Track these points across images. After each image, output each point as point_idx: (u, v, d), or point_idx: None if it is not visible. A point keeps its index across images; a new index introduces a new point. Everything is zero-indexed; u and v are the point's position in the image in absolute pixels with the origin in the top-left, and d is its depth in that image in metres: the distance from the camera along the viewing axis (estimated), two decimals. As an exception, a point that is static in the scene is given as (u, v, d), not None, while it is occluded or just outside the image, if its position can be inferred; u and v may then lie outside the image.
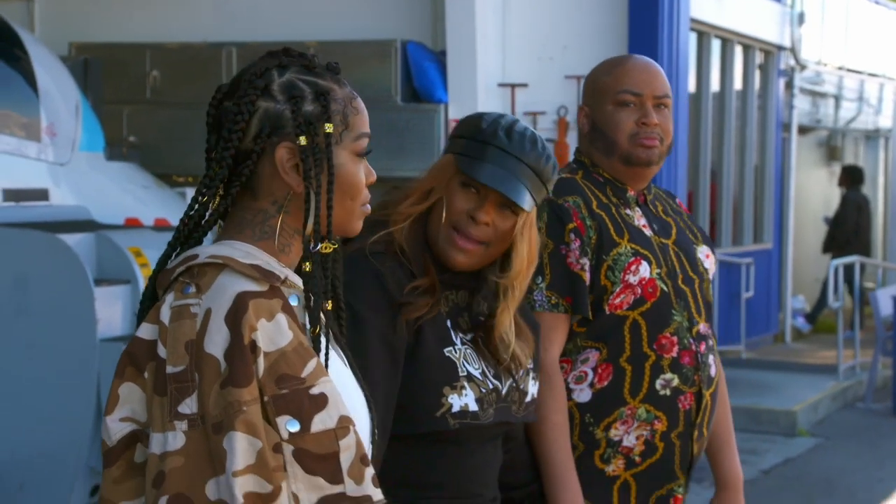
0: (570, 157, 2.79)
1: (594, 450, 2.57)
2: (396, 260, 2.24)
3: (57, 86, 6.62)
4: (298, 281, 1.68)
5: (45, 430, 5.81)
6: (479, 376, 2.24)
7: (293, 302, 1.65)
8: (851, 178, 13.42)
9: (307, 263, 1.66)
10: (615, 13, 8.22)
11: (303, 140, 1.65)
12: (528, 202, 2.24)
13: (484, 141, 2.26)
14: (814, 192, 14.70)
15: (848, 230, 13.01)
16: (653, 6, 8.18)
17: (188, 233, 1.68)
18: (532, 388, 2.34)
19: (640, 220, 2.67)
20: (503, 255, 2.28)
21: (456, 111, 8.01)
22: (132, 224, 6.70)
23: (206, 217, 1.68)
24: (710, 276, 2.75)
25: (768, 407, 8.57)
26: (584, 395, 2.57)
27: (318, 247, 1.66)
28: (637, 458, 2.58)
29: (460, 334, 2.27)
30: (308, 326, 1.67)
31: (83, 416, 5.68)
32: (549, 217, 2.57)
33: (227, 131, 1.64)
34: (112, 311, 5.89)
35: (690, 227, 2.78)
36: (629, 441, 2.57)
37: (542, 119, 8.13)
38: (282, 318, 1.59)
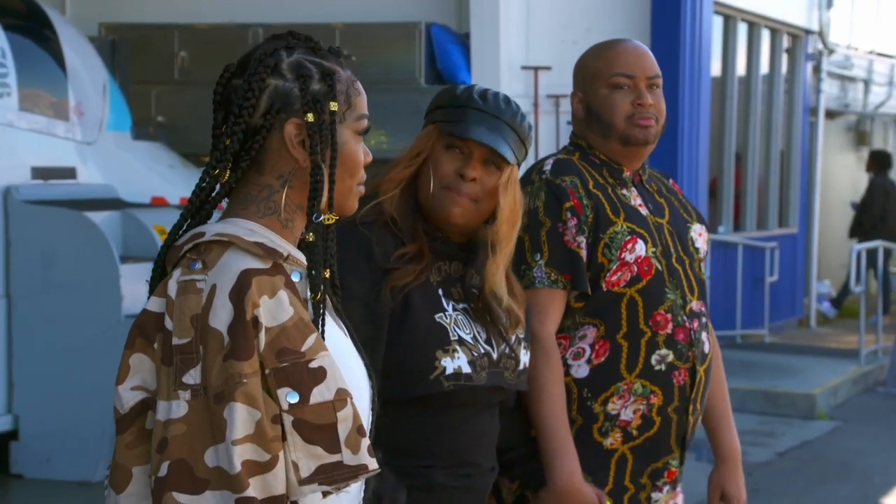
0: None
1: (592, 423, 2.64)
2: (386, 229, 2.34)
3: (85, 66, 6.74)
4: (301, 257, 1.76)
5: (71, 404, 5.94)
6: (470, 340, 2.34)
7: (295, 278, 1.71)
8: (879, 163, 13.38)
9: (310, 234, 1.73)
10: (639, -4, 8.26)
11: (310, 117, 1.72)
12: (510, 155, 2.36)
13: (462, 105, 2.38)
14: (842, 177, 14.67)
15: (875, 215, 12.99)
16: (676, -10, 8.21)
17: (199, 206, 1.74)
18: (524, 357, 2.43)
19: (635, 199, 2.75)
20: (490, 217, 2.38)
21: (479, 93, 8.06)
22: (158, 203, 6.81)
23: (216, 191, 1.75)
24: (703, 255, 2.81)
25: (787, 390, 8.61)
26: (581, 370, 2.65)
27: (322, 217, 1.73)
28: (634, 432, 2.66)
29: (452, 302, 2.36)
30: (309, 298, 1.75)
31: (109, 390, 5.79)
32: (547, 196, 2.65)
33: (238, 107, 1.71)
34: (137, 287, 6.00)
35: (685, 206, 2.85)
36: (626, 415, 2.65)
37: (564, 102, 8.19)
38: (283, 294, 1.67)
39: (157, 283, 1.75)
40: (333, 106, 1.74)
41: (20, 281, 6.06)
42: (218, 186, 1.75)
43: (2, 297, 6.05)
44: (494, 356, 2.37)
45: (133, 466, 1.70)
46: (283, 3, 8.73)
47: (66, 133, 6.51)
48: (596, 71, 2.72)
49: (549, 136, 8.02)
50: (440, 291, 2.36)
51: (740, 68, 10.74)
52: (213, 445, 1.62)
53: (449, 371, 2.29)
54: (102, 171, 6.69)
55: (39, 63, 6.54)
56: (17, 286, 6.07)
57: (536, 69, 8.20)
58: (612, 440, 2.66)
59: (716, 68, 10.05)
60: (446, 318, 2.33)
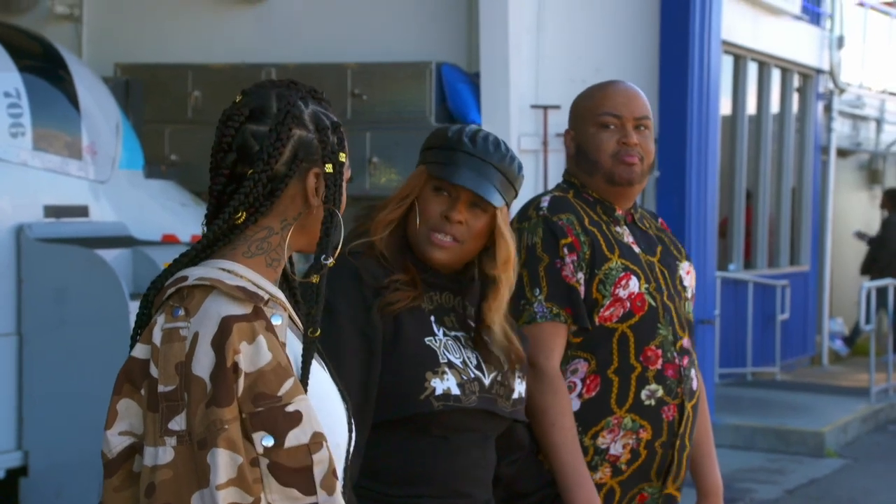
0: None
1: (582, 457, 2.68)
2: (375, 261, 2.41)
3: (98, 106, 6.83)
4: (282, 297, 1.81)
5: (81, 439, 5.98)
6: (459, 364, 2.39)
7: (276, 321, 1.77)
8: (894, 201, 13.40)
9: (316, 276, 1.80)
10: (647, 36, 8.34)
11: (329, 168, 1.81)
12: (497, 198, 2.41)
13: (451, 148, 2.44)
14: (854, 215, 14.68)
15: (890, 253, 12.99)
16: (683, 29, 8.28)
17: (206, 245, 1.79)
18: (519, 387, 2.47)
19: (628, 237, 2.80)
20: (486, 253, 2.44)
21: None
22: (169, 240, 6.88)
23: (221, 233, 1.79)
24: (690, 294, 2.86)
25: (797, 428, 8.60)
26: (572, 404, 2.69)
27: (330, 260, 1.80)
28: (623, 467, 2.70)
29: (443, 328, 2.41)
30: (303, 339, 1.80)
31: (118, 426, 5.85)
32: (544, 233, 2.71)
33: (267, 154, 1.78)
34: (147, 324, 6.06)
35: (675, 244, 2.90)
36: (616, 449, 2.69)
37: (573, 140, 8.25)
38: (262, 339, 1.72)
39: (142, 323, 1.80)
40: (343, 157, 1.83)
41: (32, 318, 6.13)
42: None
43: (13, 333, 6.12)
44: (486, 383, 2.41)
45: None
46: (296, 43, 8.83)
47: (78, 172, 6.59)
48: (586, 110, 2.80)
49: (558, 174, 8.06)
50: (432, 318, 2.41)
51: (751, 107, 10.79)
52: (198, 490, 1.67)
53: (438, 391, 2.33)
54: (114, 209, 6.76)
55: (53, 103, 6.64)
56: (29, 323, 6.13)
57: (546, 108, 8.27)
58: (602, 474, 2.70)
59: (726, 107, 10.11)
60: (436, 341, 2.38)
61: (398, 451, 2.34)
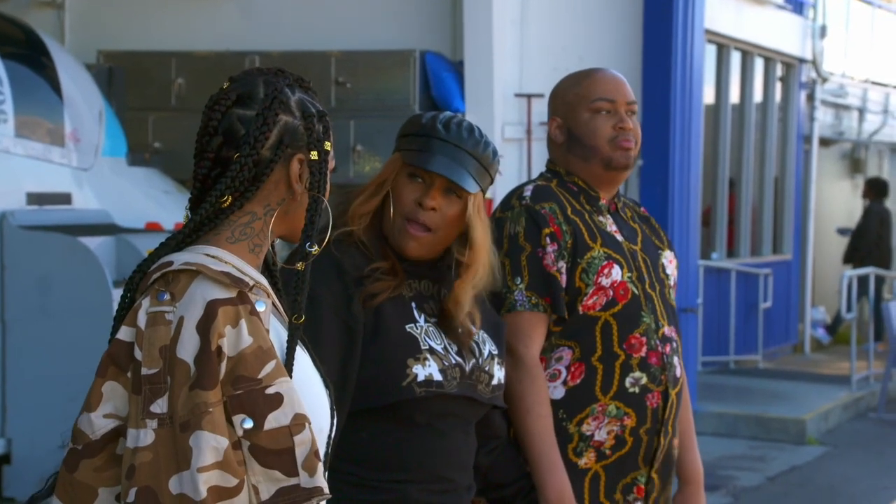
0: None
1: (567, 443, 2.71)
2: (356, 248, 2.42)
3: (81, 93, 6.82)
4: (265, 283, 1.82)
5: (65, 426, 5.97)
6: (441, 350, 2.40)
7: (260, 308, 1.77)
8: (876, 190, 13.46)
9: (301, 263, 1.81)
10: (630, 25, 8.35)
11: (314, 155, 1.82)
12: (471, 184, 2.42)
13: (425, 135, 2.44)
14: (836, 204, 14.74)
15: (870, 242, 13.05)
16: (667, 19, 8.30)
17: (193, 230, 1.79)
18: (498, 373, 2.48)
19: (611, 226, 2.82)
20: (461, 239, 2.45)
21: (473, 121, 8.13)
22: (152, 228, 6.87)
23: (208, 218, 1.79)
24: (672, 282, 2.88)
25: (779, 415, 8.65)
26: (557, 391, 2.71)
27: (315, 248, 1.81)
28: (608, 452, 2.73)
29: (424, 315, 2.42)
30: (288, 325, 1.81)
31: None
32: (527, 222, 2.72)
33: (254, 138, 1.79)
34: (130, 312, 6.06)
35: (657, 233, 2.92)
36: (600, 436, 2.72)
37: (557, 129, 8.26)
38: (243, 323, 1.73)
39: (125, 307, 1.80)
40: (328, 146, 1.84)
41: (15, 306, 6.12)
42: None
43: (-4, 321, 6.11)
44: (466, 369, 2.42)
45: (100, 487, 1.76)
46: (280, 31, 8.82)
47: (61, 159, 6.58)
48: (576, 97, 2.80)
49: (542, 162, 8.06)
50: (413, 304, 2.42)
51: (734, 96, 10.82)
52: (177, 473, 1.67)
53: (420, 378, 2.34)
54: (98, 197, 6.75)
55: (36, 90, 6.62)
56: (12, 311, 6.12)
57: (530, 97, 8.28)
58: (587, 460, 2.72)
59: (709, 96, 10.13)
60: (416, 328, 2.39)
61: (382, 438, 2.35)
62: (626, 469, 2.75)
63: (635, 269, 2.78)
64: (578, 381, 2.71)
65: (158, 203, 7.13)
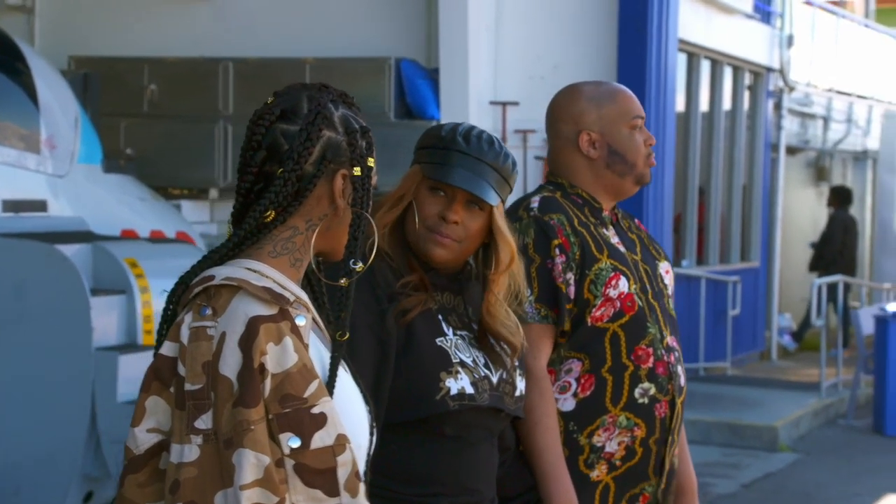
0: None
1: (578, 455, 2.72)
2: (383, 261, 2.41)
3: (56, 99, 6.76)
4: (305, 298, 1.83)
5: (40, 436, 5.92)
6: (470, 363, 2.40)
7: (300, 322, 1.77)
8: (840, 198, 13.59)
9: (345, 280, 1.82)
10: (605, 34, 8.39)
11: (357, 171, 1.83)
12: (493, 197, 2.42)
13: (445, 147, 2.44)
14: (802, 212, 14.87)
15: (834, 249, 13.18)
16: (642, 28, 8.35)
17: (238, 243, 1.80)
18: (520, 384, 2.49)
19: (614, 238, 2.84)
20: (486, 254, 2.45)
21: (448, 128, 8.14)
22: (128, 235, 6.82)
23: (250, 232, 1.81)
24: (670, 292, 2.90)
25: (751, 422, 8.71)
26: (567, 404, 2.72)
27: (359, 264, 1.82)
28: (618, 463, 2.74)
29: (451, 328, 2.43)
30: (331, 343, 1.82)
31: (78, 423, 5.80)
32: (536, 233, 2.73)
33: (297, 153, 1.80)
34: (107, 320, 6.01)
35: (653, 244, 2.95)
36: (611, 447, 2.73)
37: (532, 137, 8.29)
38: (289, 341, 1.73)
39: (167, 320, 1.81)
40: (371, 162, 1.85)
41: (-9, 313, 6.05)
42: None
43: (-28, 329, 6.04)
44: (494, 381, 2.43)
45: (143, 503, 1.76)
46: (254, 37, 8.79)
47: (37, 166, 6.52)
48: (614, 112, 2.81)
49: (518, 169, 8.10)
50: (439, 317, 2.42)
51: (703, 105, 10.89)
52: (222, 490, 1.68)
53: (454, 391, 2.35)
54: (73, 204, 6.70)
55: (11, 95, 6.55)
56: (-12, 318, 6.06)
57: (504, 104, 8.30)
58: (598, 472, 2.73)
59: (679, 105, 10.20)
60: (447, 342, 2.39)
61: (413, 451, 2.35)
62: (636, 480, 2.76)
63: (639, 281, 2.80)
64: (589, 392, 2.72)
65: (134, 210, 7.08)
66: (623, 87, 2.89)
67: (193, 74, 8.71)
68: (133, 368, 5.85)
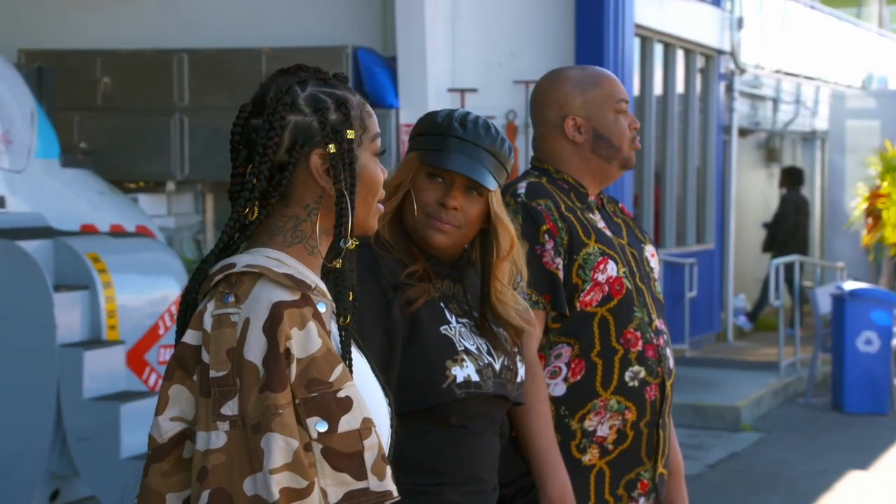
0: (521, 160, 2.94)
1: (570, 440, 2.72)
2: (387, 251, 2.41)
3: (12, 94, 6.66)
4: (324, 286, 1.82)
5: (5, 435, 5.85)
6: (475, 351, 2.40)
7: (321, 308, 1.77)
8: (792, 179, 13.71)
9: (337, 260, 1.80)
10: (562, 20, 8.40)
11: (332, 147, 1.80)
12: (491, 182, 2.42)
13: (442, 134, 2.44)
14: (753, 193, 14.99)
15: (787, 230, 13.30)
16: (598, 13, 8.36)
17: (227, 242, 1.80)
18: (521, 370, 2.50)
19: (600, 222, 2.84)
20: (485, 240, 2.45)
21: (407, 116, 8.14)
22: (88, 230, 6.75)
23: (241, 228, 1.80)
24: (657, 275, 2.92)
25: (713, 403, 8.79)
26: (558, 388, 2.73)
27: (349, 243, 1.80)
28: (610, 447, 2.75)
29: (454, 315, 2.42)
30: (338, 327, 1.81)
31: (43, 421, 5.73)
32: (524, 219, 2.73)
33: (263, 146, 1.78)
34: (71, 316, 5.95)
35: (638, 228, 2.97)
36: (603, 431, 2.74)
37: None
38: (312, 326, 1.73)
39: (187, 313, 1.79)
40: (350, 134, 1.81)
41: (-48, 312, 5.97)
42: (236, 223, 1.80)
43: (-67, 328, 5.95)
44: (497, 367, 2.43)
45: (168, 493, 1.75)
46: (209, 28, 8.72)
47: (-6, 162, 6.43)
48: (600, 97, 2.81)
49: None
50: (441, 305, 2.42)
51: (657, 88, 10.95)
52: (251, 475, 1.66)
53: (460, 379, 2.35)
54: (32, 200, 6.61)
55: (-35, 91, 6.46)
56: (-51, 317, 5.97)
57: (463, 91, 8.30)
58: (590, 456, 2.74)
59: (634, 88, 10.24)
60: (451, 329, 2.39)
61: (418, 440, 2.34)
62: (630, 464, 2.77)
63: (626, 265, 2.80)
64: (579, 377, 2.73)
65: (93, 205, 7.01)
66: (607, 71, 2.90)
67: (147, 66, 8.63)
68: (98, 364, 5.79)
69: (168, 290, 6.34)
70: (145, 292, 6.33)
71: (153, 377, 6.18)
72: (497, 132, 2.48)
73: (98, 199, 7.10)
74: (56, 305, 5.83)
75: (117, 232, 6.82)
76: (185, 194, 8.82)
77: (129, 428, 5.66)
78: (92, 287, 6.06)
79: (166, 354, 6.22)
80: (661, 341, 2.82)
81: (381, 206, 1.88)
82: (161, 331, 6.21)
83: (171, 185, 8.62)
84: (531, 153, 2.94)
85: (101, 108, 8.71)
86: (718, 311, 12.37)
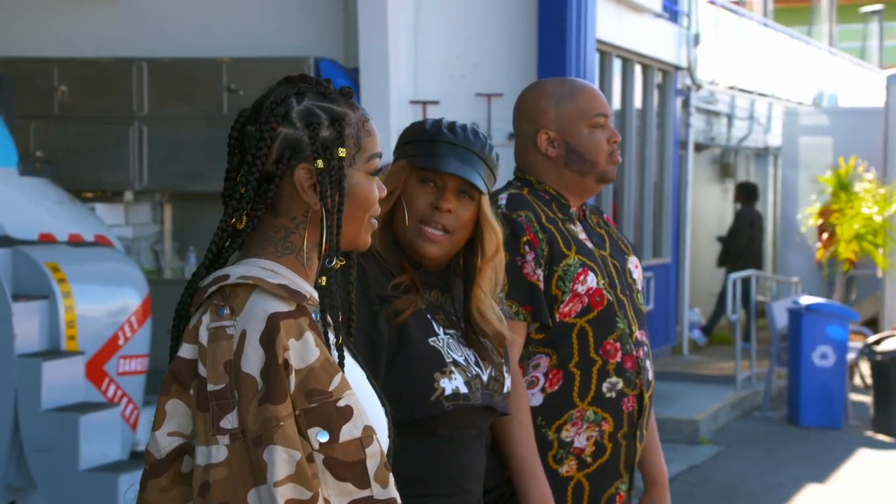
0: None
1: (547, 451, 2.72)
2: (374, 260, 2.40)
3: (-30, 100, 6.59)
4: (317, 297, 1.80)
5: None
6: (463, 362, 2.39)
7: (316, 318, 1.76)
8: (746, 194, 13.84)
9: (323, 278, 1.79)
10: (525, 33, 8.43)
11: (320, 163, 1.78)
12: (482, 185, 2.43)
13: (432, 139, 2.45)
14: (708, 208, 15.11)
15: (741, 245, 13.41)
16: (561, 27, 8.40)
17: (217, 253, 1.78)
18: (507, 381, 2.49)
19: (581, 234, 2.84)
20: (471, 244, 2.44)
21: (368, 128, 8.10)
22: (46, 239, 6.67)
23: (231, 238, 1.79)
24: (639, 287, 2.92)
25: (672, 416, 8.82)
26: (535, 399, 2.73)
27: (334, 262, 1.78)
28: (588, 459, 2.74)
29: (441, 327, 2.42)
30: (332, 339, 1.80)
31: (0, 432, 5.66)
32: (504, 230, 2.72)
33: (252, 156, 1.77)
34: (30, 326, 5.88)
35: (622, 239, 2.96)
36: (580, 442, 2.73)
37: (452, 136, 8.27)
38: (309, 336, 1.72)
39: (180, 327, 1.78)
40: (342, 152, 1.79)
41: None
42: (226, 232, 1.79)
43: None
44: (484, 379, 2.43)
45: None
46: (169, 37, 8.66)
47: (-49, 169, 6.35)
48: (574, 111, 2.80)
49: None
50: (428, 316, 2.41)
51: (616, 103, 11.01)
52: (254, 487, 1.65)
53: (448, 391, 2.34)
54: (-11, 208, 6.53)
55: (-78, 97, 6.38)
56: None
57: (425, 103, 8.29)
58: (568, 467, 2.73)
59: (593, 103, 10.28)
60: (439, 341, 2.39)
61: (406, 452, 2.32)
62: (609, 478, 2.77)
63: (607, 276, 2.81)
64: (556, 387, 2.73)
65: (51, 214, 6.92)
66: (589, 84, 2.89)
67: (106, 75, 8.55)
68: (57, 375, 5.72)
69: (128, 300, 6.28)
70: (105, 302, 6.27)
71: (112, 388, 6.11)
72: (485, 138, 2.50)
73: (57, 208, 7.02)
74: (14, 315, 5.76)
75: (77, 241, 6.74)
76: (143, 204, 8.75)
77: (88, 439, 5.60)
78: (51, 297, 5.99)
79: (126, 365, 6.16)
80: (641, 353, 2.82)
81: (374, 222, 1.86)
82: (121, 341, 6.15)
83: (129, 195, 8.55)
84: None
85: (58, 117, 8.62)
86: (674, 325, 12.44)
